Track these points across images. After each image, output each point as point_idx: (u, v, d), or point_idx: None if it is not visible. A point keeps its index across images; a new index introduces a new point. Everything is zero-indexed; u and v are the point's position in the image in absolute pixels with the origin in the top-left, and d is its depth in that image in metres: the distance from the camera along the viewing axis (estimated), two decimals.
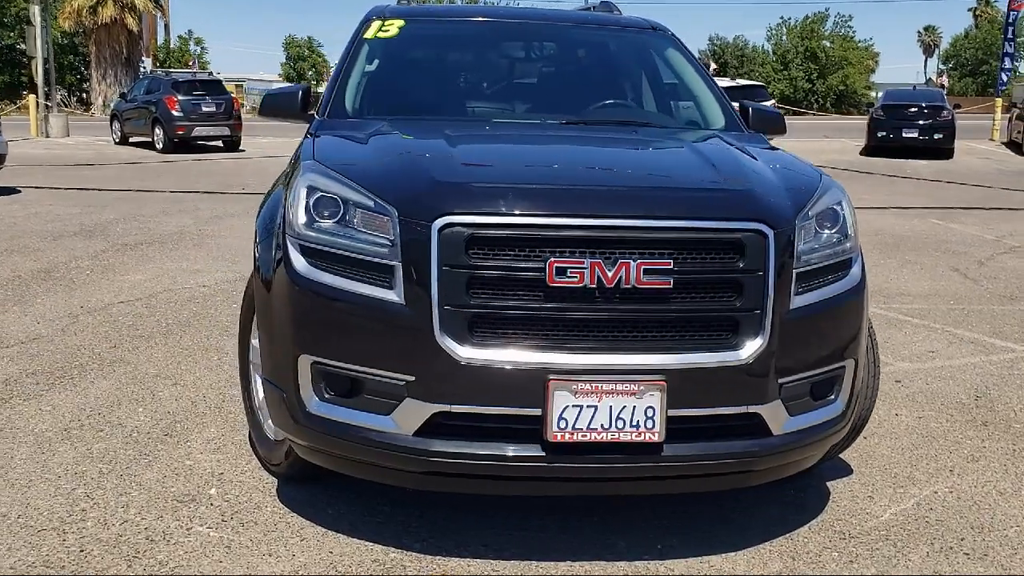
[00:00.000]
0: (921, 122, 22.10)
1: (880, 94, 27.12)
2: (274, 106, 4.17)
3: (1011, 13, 27.01)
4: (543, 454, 2.76)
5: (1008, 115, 26.40)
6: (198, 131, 21.25)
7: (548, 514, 3.29)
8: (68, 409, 4.28)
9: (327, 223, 2.95)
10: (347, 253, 2.89)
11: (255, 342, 3.72)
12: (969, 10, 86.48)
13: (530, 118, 4.06)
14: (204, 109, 21.31)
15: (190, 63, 50.45)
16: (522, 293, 2.74)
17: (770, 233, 2.84)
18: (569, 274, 2.71)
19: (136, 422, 4.13)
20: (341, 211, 2.94)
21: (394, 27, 4.38)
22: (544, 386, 2.71)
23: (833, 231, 3.11)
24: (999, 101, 28.03)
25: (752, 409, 2.87)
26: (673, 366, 2.77)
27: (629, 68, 4.59)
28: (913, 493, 3.61)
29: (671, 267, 2.75)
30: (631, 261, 2.72)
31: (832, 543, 3.19)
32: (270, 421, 3.61)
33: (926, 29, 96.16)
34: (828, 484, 3.66)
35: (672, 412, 2.76)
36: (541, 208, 2.79)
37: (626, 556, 3.05)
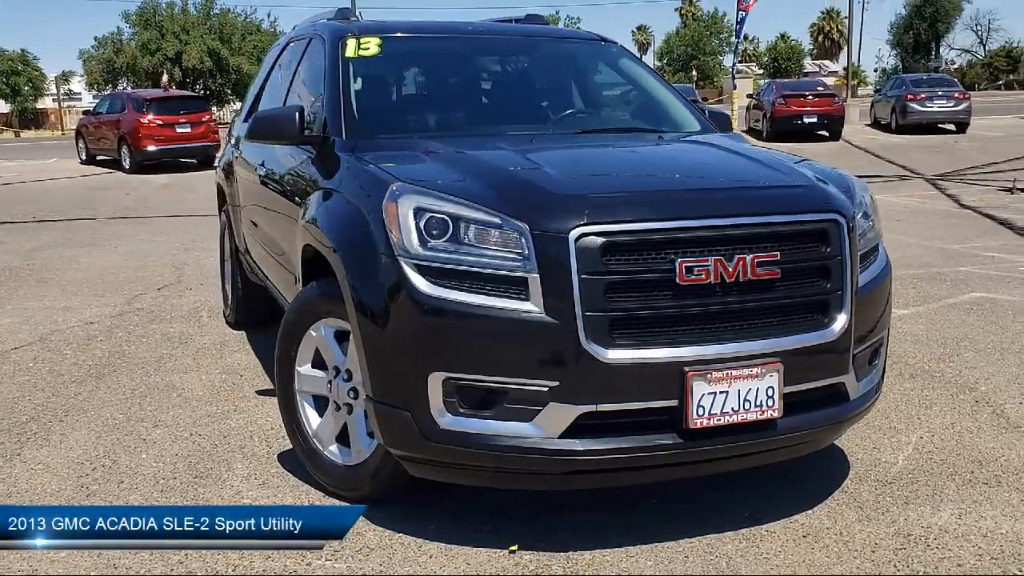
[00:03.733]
0: None
1: None
2: (269, 128, 4.04)
3: (740, 13, 29.69)
4: (682, 441, 2.99)
5: (746, 105, 29.17)
6: None
7: (644, 499, 3.50)
8: (63, 466, 3.95)
9: (440, 242, 3.00)
10: (472, 269, 2.96)
11: (301, 369, 3.67)
12: (676, 10, 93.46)
13: (546, 129, 4.20)
14: None
15: None
16: (655, 293, 2.94)
17: (843, 221, 3.22)
18: (696, 272, 2.94)
19: (151, 469, 3.89)
20: (452, 229, 3.00)
21: (373, 45, 4.37)
22: (682, 378, 2.93)
23: (863, 217, 3.54)
24: (736, 93, 30.83)
25: (840, 379, 3.24)
26: (786, 347, 3.08)
27: (612, 78, 4.84)
28: (905, 441, 4.14)
29: (778, 258, 3.05)
30: (746, 256, 3.00)
31: (880, 489, 3.63)
32: (332, 447, 3.58)
33: (639, 29, 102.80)
34: (835, 441, 4.10)
35: (787, 389, 3.07)
36: (668, 213, 3.01)
37: (726, 527, 3.32)
